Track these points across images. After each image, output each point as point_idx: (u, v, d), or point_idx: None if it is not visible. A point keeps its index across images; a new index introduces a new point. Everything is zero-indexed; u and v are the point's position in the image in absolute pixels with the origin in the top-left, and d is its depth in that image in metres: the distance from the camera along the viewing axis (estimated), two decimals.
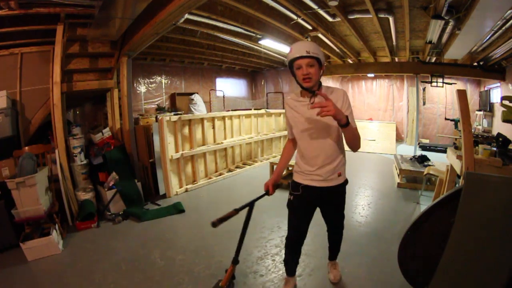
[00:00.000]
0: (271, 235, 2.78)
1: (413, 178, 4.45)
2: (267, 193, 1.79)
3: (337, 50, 6.39)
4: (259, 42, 5.18)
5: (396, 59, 6.73)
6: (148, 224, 3.14)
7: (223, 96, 8.92)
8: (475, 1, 2.89)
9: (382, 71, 7.43)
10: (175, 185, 4.18)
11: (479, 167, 2.20)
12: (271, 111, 6.34)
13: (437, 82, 6.55)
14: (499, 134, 2.59)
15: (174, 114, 5.48)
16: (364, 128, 9.12)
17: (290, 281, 2.01)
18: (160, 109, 7.33)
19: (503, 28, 3.75)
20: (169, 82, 7.79)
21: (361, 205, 3.62)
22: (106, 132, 3.84)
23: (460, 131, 2.59)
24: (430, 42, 4.51)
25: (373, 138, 8.56)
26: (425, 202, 3.61)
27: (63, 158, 3.16)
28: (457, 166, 2.52)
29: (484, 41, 4.45)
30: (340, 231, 2.06)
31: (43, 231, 2.64)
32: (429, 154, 5.45)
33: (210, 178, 4.80)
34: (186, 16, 3.32)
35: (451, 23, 3.65)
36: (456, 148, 2.83)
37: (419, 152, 6.08)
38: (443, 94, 8.07)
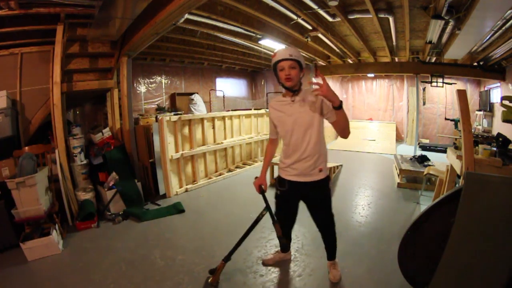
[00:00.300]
0: (271, 235, 2.78)
1: (413, 178, 4.45)
2: (263, 191, 1.96)
3: (337, 50, 6.39)
4: (259, 42, 5.18)
5: (396, 59, 6.73)
6: (148, 224, 3.14)
7: (223, 96, 8.92)
8: (475, 1, 2.89)
9: (382, 71, 7.44)
10: (175, 185, 4.18)
11: (479, 167, 2.20)
12: None
13: (437, 82, 6.55)
14: (499, 134, 2.59)
15: (174, 114, 5.48)
16: (364, 128, 9.13)
17: (279, 253, 2.32)
18: (160, 109, 7.32)
19: (503, 28, 3.75)
20: (169, 82, 7.79)
21: (361, 205, 3.62)
22: (106, 132, 3.84)
23: (460, 131, 2.59)
24: (430, 42, 4.51)
25: (373, 138, 8.56)
26: (425, 202, 3.61)
27: (63, 158, 3.16)
28: (457, 166, 2.52)
29: (484, 41, 4.45)
30: (329, 232, 2.06)
31: (43, 231, 2.63)
32: (429, 154, 5.45)
33: (210, 178, 4.80)
34: (186, 16, 3.32)
35: (451, 23, 3.65)
36: (456, 148, 2.83)
37: (419, 152, 6.08)
38: (443, 94, 8.08)
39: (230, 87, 9.35)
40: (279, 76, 1.72)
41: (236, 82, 9.66)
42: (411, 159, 4.92)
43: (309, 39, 5.06)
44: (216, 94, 8.81)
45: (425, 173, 3.69)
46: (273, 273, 2.22)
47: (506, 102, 2.79)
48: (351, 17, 4.15)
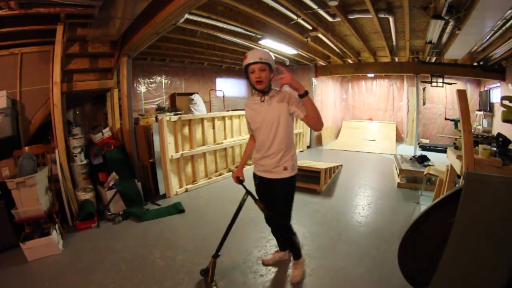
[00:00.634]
0: (271, 235, 2.77)
1: (413, 178, 4.45)
2: (241, 182, 2.04)
3: (337, 50, 6.38)
4: (259, 42, 5.17)
5: (396, 59, 6.72)
6: (148, 224, 3.14)
7: (223, 96, 8.92)
8: (475, 1, 2.88)
9: (382, 71, 7.43)
10: (175, 185, 4.18)
11: (479, 167, 2.20)
12: None
13: (437, 82, 6.54)
14: (499, 134, 2.59)
15: (174, 114, 5.47)
16: (364, 128, 9.14)
17: (278, 253, 2.35)
18: (160, 109, 7.31)
19: (503, 28, 3.75)
20: (169, 82, 7.78)
21: (361, 205, 3.62)
22: (106, 132, 3.84)
23: (460, 131, 2.59)
24: (430, 42, 4.50)
25: (373, 138, 8.57)
26: (425, 202, 3.61)
27: (63, 158, 3.16)
28: (457, 166, 2.51)
29: (484, 41, 4.44)
30: (284, 232, 2.05)
31: (43, 231, 2.63)
32: (429, 154, 5.46)
33: (210, 178, 4.80)
34: (186, 16, 3.31)
35: (451, 23, 3.64)
36: (456, 148, 2.83)
37: (419, 152, 6.08)
38: (443, 94, 8.08)
39: (230, 87, 9.35)
40: (250, 78, 1.80)
41: (236, 82, 9.65)
42: (411, 159, 4.92)
43: (309, 39, 5.05)
44: (216, 94, 8.80)
45: (425, 173, 3.69)
46: (273, 273, 2.22)
47: (506, 102, 2.79)
48: (351, 17, 4.15)
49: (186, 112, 7.25)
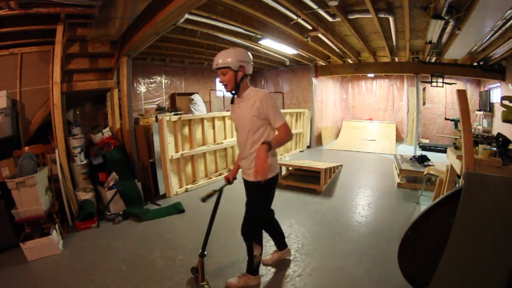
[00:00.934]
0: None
1: (413, 178, 4.45)
2: (229, 182, 2.09)
3: (337, 50, 6.38)
4: (259, 42, 5.18)
5: (396, 59, 6.72)
6: (148, 224, 3.14)
7: (223, 96, 8.92)
8: (475, 1, 2.88)
9: (382, 71, 7.43)
10: (175, 185, 4.18)
11: (479, 167, 2.20)
12: None
13: (437, 82, 6.55)
14: (499, 134, 2.59)
15: (174, 114, 5.48)
16: (364, 128, 9.14)
17: (277, 253, 2.34)
18: (160, 109, 7.32)
19: (503, 28, 3.75)
20: (169, 82, 7.78)
21: (361, 205, 3.62)
22: (106, 132, 3.84)
23: (460, 131, 2.59)
24: (430, 42, 4.50)
25: (373, 138, 8.57)
26: (425, 202, 3.61)
27: (63, 158, 3.16)
28: (457, 166, 2.51)
29: (484, 41, 4.45)
30: (245, 237, 1.96)
31: (43, 231, 2.63)
32: (429, 154, 5.46)
33: (210, 178, 4.80)
34: (186, 16, 3.32)
35: (451, 23, 3.64)
36: (456, 148, 2.83)
37: (419, 152, 6.08)
38: (443, 94, 8.08)
39: None
40: None
41: None
42: (411, 159, 4.92)
43: (309, 39, 5.05)
44: (216, 94, 8.81)
45: (425, 173, 3.69)
46: (273, 273, 2.22)
47: (506, 102, 2.79)
48: (351, 17, 4.15)
49: (186, 112, 7.25)
